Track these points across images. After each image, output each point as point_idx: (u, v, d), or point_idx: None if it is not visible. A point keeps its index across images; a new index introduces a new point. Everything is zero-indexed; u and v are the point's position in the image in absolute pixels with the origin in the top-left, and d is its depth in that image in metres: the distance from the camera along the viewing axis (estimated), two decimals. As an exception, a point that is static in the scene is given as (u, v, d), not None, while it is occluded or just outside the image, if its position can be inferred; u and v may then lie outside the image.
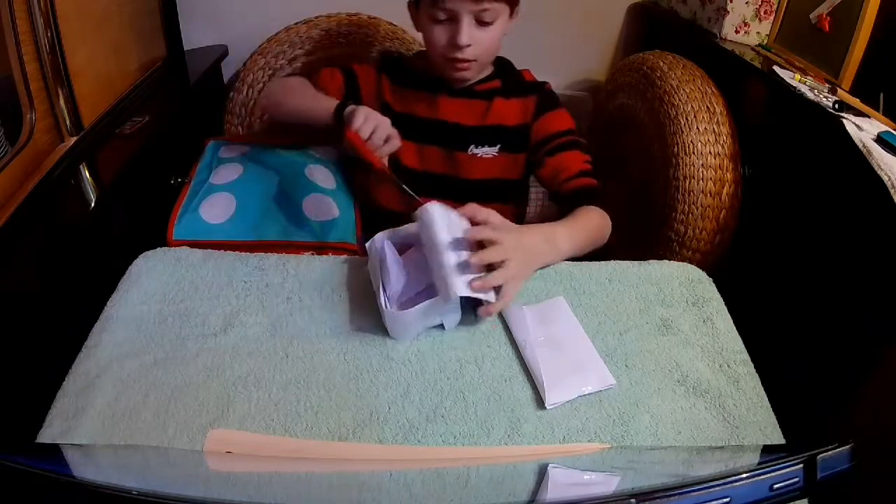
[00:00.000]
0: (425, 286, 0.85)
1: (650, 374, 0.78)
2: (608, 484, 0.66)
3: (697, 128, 1.21)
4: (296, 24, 1.51)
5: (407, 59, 1.31)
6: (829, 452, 0.48)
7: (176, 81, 1.47)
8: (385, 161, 0.96)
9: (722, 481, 0.47)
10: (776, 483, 0.47)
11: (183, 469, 0.66)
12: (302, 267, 0.91)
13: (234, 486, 0.68)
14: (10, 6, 0.88)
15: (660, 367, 0.79)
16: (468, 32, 1.00)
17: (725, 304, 0.89)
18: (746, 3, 1.38)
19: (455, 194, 1.04)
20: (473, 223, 0.86)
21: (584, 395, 0.74)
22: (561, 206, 1.10)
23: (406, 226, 0.92)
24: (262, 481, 0.67)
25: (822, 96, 1.08)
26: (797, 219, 1.14)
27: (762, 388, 0.77)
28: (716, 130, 1.21)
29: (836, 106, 1.03)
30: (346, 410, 0.71)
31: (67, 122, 1.01)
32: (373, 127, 0.95)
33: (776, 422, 0.73)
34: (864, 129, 0.97)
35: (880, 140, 0.95)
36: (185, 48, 1.53)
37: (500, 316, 0.84)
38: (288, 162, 1.20)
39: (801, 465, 0.48)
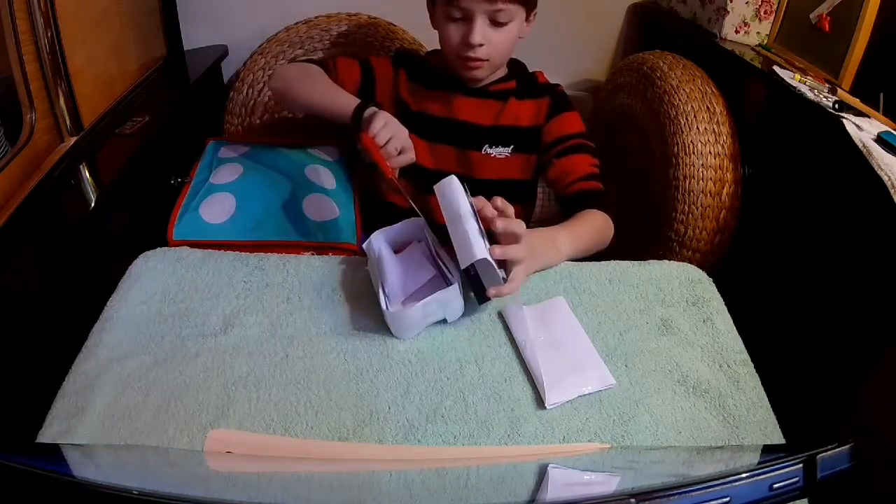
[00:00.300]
0: (423, 282, 0.85)
1: (650, 374, 0.78)
2: (608, 484, 0.66)
3: (697, 128, 1.21)
4: (296, 24, 1.52)
5: (423, 56, 1.31)
6: (829, 452, 0.48)
7: (176, 81, 1.47)
8: (396, 173, 0.96)
9: (722, 481, 0.47)
10: (776, 483, 0.47)
11: (183, 469, 0.66)
12: (302, 267, 0.91)
13: (234, 486, 0.67)
14: (10, 6, 0.88)
15: (660, 367, 0.79)
16: (481, 31, 1.01)
17: (725, 304, 0.89)
18: (746, 3, 1.38)
19: None
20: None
21: (584, 395, 0.74)
22: (565, 208, 1.10)
23: (400, 223, 0.92)
24: (262, 481, 0.67)
25: (822, 96, 1.07)
26: (797, 219, 1.14)
27: (762, 388, 0.77)
28: (716, 130, 1.21)
29: (836, 106, 1.03)
30: (346, 410, 0.71)
31: (67, 121, 1.01)
32: (389, 135, 0.94)
33: (776, 422, 0.73)
34: (864, 129, 0.97)
35: (880, 140, 0.95)
36: (185, 48, 1.54)
37: (500, 316, 0.85)
38: (288, 162, 1.21)
39: (801, 465, 0.48)
